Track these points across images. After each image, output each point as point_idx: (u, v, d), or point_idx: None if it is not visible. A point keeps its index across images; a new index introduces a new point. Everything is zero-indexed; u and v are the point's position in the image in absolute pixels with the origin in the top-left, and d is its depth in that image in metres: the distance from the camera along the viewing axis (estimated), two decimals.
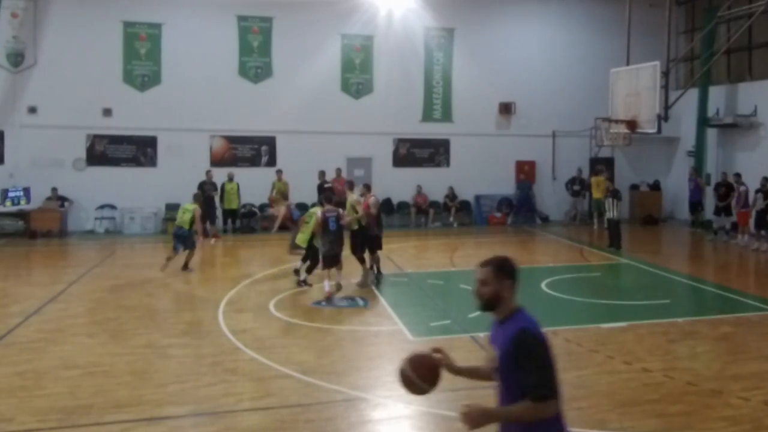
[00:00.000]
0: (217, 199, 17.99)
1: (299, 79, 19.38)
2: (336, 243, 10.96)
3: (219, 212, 18.30)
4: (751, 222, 16.20)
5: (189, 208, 12.88)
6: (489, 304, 3.34)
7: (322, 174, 18.35)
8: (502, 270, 3.37)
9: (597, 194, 19.78)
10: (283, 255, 13.71)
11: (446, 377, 7.21)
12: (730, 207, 16.83)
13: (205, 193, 17.67)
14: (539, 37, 21.09)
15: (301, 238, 11.49)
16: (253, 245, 16.09)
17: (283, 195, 16.69)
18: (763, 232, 15.69)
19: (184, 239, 12.76)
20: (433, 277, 12.67)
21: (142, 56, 18.76)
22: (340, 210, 11.25)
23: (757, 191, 15.80)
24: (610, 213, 15.55)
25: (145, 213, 18.45)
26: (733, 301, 11.01)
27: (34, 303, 10.41)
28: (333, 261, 10.91)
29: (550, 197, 21.52)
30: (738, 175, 16.59)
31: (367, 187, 12.41)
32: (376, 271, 12.14)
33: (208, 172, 17.97)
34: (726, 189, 16.98)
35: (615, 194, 15.59)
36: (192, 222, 12.75)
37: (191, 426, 6.10)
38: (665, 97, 15.69)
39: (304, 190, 19.09)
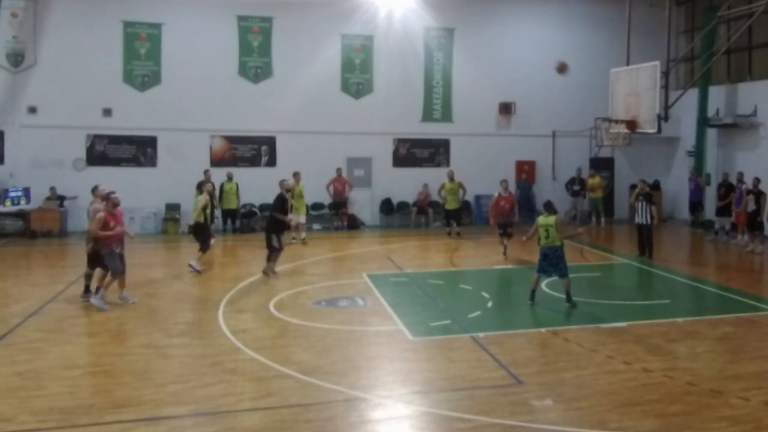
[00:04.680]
0: (216, 200, 17.93)
1: (299, 79, 19.39)
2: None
3: (218, 212, 18.27)
4: None
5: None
6: None
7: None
8: None
9: (594, 194, 20.03)
10: (283, 255, 13.68)
11: (445, 377, 7.21)
12: (729, 207, 16.81)
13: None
14: (539, 37, 21.09)
15: None
16: (253, 245, 16.08)
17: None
18: (757, 233, 15.65)
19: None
20: (433, 277, 12.67)
21: (142, 56, 18.77)
22: None
23: (748, 192, 15.72)
24: (642, 218, 14.53)
25: (145, 213, 18.45)
26: (733, 301, 11.01)
27: (34, 303, 10.41)
28: None
29: (550, 197, 21.30)
30: (741, 174, 16.52)
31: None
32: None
33: (206, 172, 17.91)
34: (726, 189, 16.96)
35: (648, 197, 14.53)
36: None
37: (191, 426, 6.09)
38: (665, 97, 15.67)
39: (304, 190, 19.06)
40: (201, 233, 13.12)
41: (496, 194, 14.91)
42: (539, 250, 10.43)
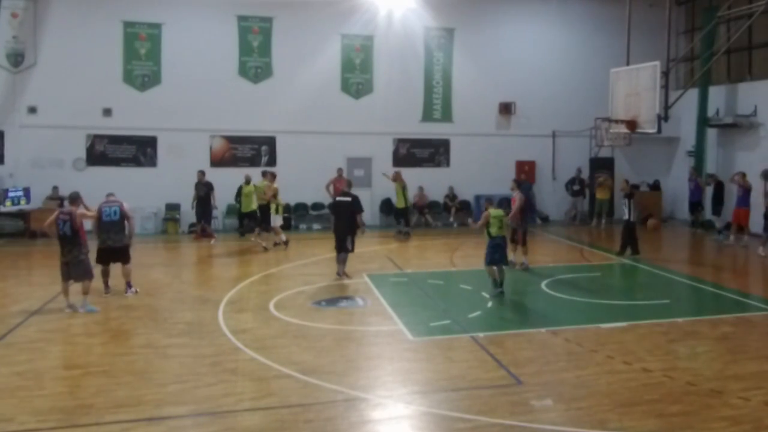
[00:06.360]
0: (214, 200, 17.86)
1: (299, 79, 19.38)
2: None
3: (216, 212, 18.26)
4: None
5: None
6: None
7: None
8: None
9: (600, 195, 19.96)
10: (284, 255, 13.69)
11: (445, 377, 7.19)
12: (719, 207, 16.86)
13: (198, 194, 17.55)
14: (539, 37, 21.08)
15: None
16: (254, 245, 16.08)
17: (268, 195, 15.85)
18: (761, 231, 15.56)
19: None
20: (433, 277, 12.67)
21: (142, 56, 18.76)
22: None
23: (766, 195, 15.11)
24: (628, 215, 14.76)
25: (145, 213, 18.40)
26: (733, 301, 11.01)
27: (34, 303, 10.43)
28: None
29: (550, 197, 21.51)
30: (743, 174, 16.39)
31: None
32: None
33: (200, 173, 17.76)
34: (716, 185, 17.16)
35: (629, 195, 14.82)
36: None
37: (191, 426, 6.09)
38: (665, 97, 15.66)
39: (304, 190, 19.11)
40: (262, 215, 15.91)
41: None
42: (490, 241, 10.98)
